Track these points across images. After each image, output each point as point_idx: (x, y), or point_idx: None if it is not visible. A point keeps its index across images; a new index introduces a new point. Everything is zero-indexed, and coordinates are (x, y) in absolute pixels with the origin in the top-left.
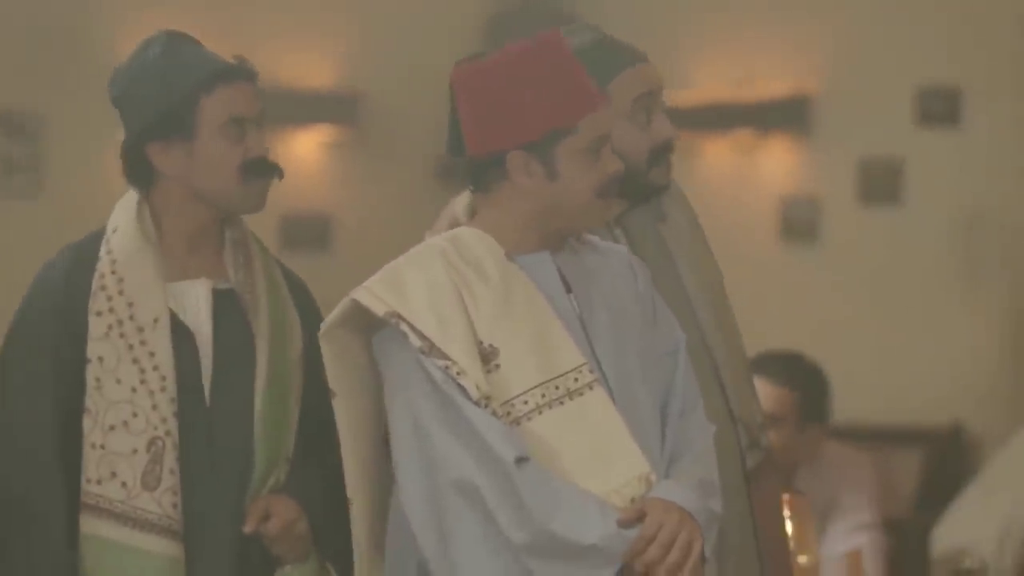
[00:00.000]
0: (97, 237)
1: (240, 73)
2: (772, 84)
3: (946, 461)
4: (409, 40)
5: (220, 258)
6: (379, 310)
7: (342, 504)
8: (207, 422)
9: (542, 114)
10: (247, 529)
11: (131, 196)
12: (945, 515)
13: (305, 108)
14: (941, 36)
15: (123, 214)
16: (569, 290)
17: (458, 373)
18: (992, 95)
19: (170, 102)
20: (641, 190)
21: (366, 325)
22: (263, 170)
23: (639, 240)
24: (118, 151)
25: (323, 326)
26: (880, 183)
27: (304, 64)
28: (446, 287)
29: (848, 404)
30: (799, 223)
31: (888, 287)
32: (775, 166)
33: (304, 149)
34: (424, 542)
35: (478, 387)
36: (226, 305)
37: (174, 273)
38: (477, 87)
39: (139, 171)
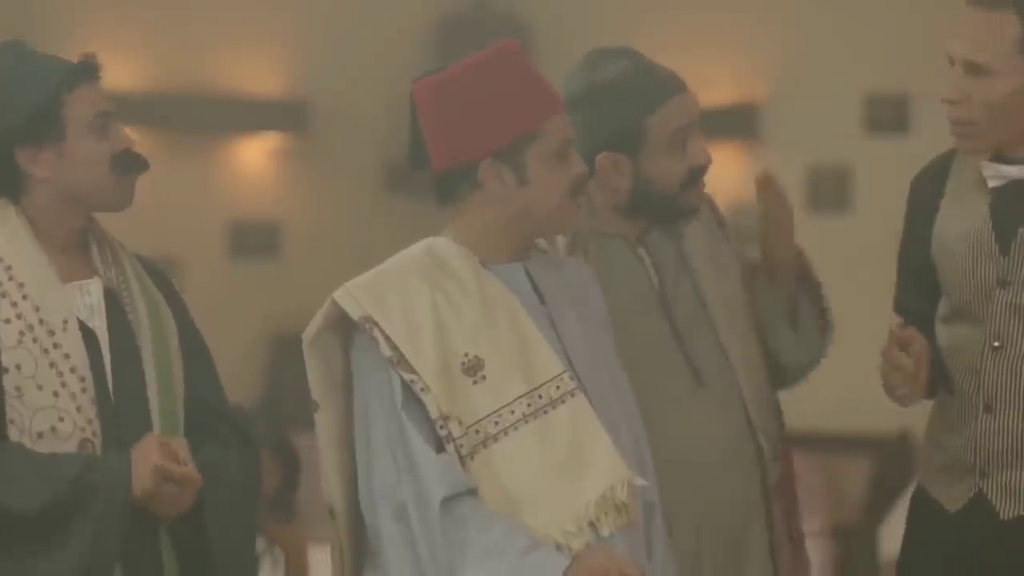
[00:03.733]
0: None
1: (94, 70)
2: (720, 91)
3: (894, 468)
4: (357, 47)
5: (87, 259)
6: (355, 313)
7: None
8: (115, 420)
9: (509, 120)
10: (164, 462)
11: None
12: (893, 520)
13: (253, 115)
14: (889, 44)
15: None
16: (543, 301)
17: (421, 389)
18: (940, 102)
19: (36, 105)
20: (671, 213)
21: (345, 331)
22: (133, 164)
23: (661, 259)
24: None
25: (307, 333)
26: (828, 190)
27: (252, 71)
28: (425, 301)
29: (797, 412)
30: (747, 230)
31: (836, 294)
32: (723, 173)
33: (252, 156)
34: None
35: (439, 406)
36: (110, 304)
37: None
38: (440, 100)
39: (5, 180)
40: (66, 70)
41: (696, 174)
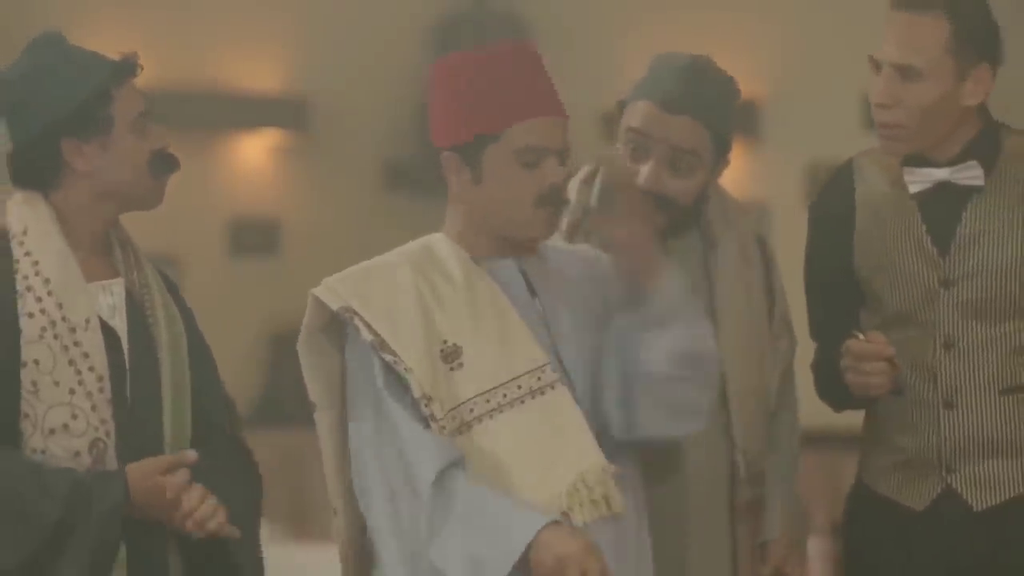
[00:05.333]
0: (2, 239)
1: (135, 69)
2: None
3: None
4: (357, 45)
5: (110, 260)
6: (334, 304)
7: (229, 505)
8: (132, 422)
9: (466, 119)
10: (174, 459)
11: (27, 197)
12: None
13: (253, 112)
14: None
15: (27, 215)
16: (534, 294)
17: (404, 370)
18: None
19: (86, 97)
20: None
21: (339, 329)
22: (169, 164)
23: (682, 262)
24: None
25: (300, 335)
26: None
27: (252, 69)
28: (407, 285)
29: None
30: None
31: None
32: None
33: (252, 153)
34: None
35: (421, 385)
36: (131, 306)
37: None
38: (435, 82)
39: (41, 172)
40: (113, 66)
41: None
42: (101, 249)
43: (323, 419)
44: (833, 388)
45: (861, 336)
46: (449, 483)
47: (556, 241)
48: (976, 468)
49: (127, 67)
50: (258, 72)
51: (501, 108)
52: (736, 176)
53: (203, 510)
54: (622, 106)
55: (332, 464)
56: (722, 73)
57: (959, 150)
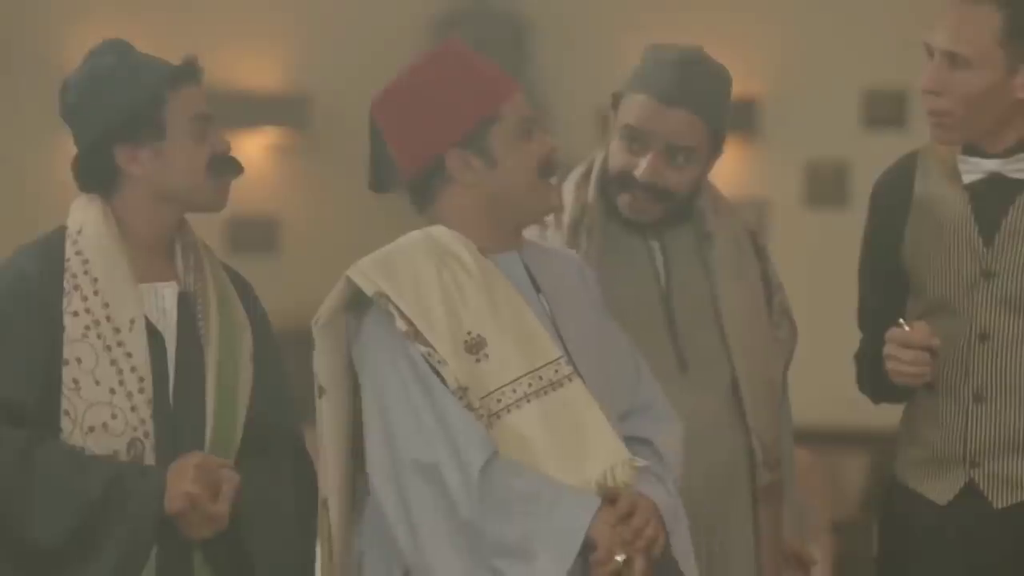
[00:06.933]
0: (58, 237)
1: (196, 73)
2: None
3: (893, 462)
4: (357, 42)
5: (171, 262)
6: (369, 289)
7: (275, 509)
8: (172, 425)
9: (466, 107)
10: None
11: (90, 199)
12: None
13: (252, 110)
14: (887, 39)
15: (86, 215)
16: (539, 290)
17: (439, 362)
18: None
19: (139, 103)
20: (613, 209)
21: (356, 312)
22: (229, 167)
23: (674, 255)
24: (69, 160)
25: (321, 314)
26: (826, 186)
27: (252, 66)
28: (432, 278)
29: (796, 406)
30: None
31: (834, 290)
32: (721, 168)
33: (251, 151)
34: (392, 520)
35: (456, 378)
36: (183, 309)
37: (136, 276)
38: (395, 106)
39: (100, 177)
40: (168, 71)
41: (627, 180)
42: (162, 252)
43: (329, 404)
44: (874, 379)
45: (905, 325)
46: (496, 473)
47: (540, 240)
48: (1000, 465)
49: (184, 71)
50: (258, 70)
51: (489, 89)
52: (736, 175)
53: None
54: (617, 98)
55: (331, 453)
56: (716, 64)
57: (1014, 142)
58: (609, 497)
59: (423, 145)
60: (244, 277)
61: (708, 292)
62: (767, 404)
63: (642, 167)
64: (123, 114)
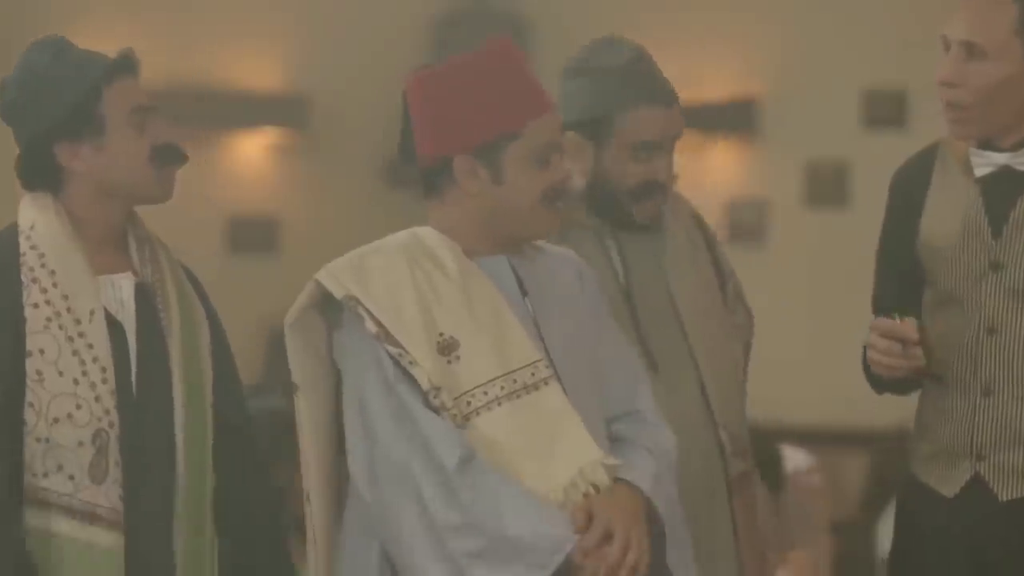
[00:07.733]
0: (11, 234)
1: (132, 65)
2: (718, 87)
3: (892, 462)
4: (356, 43)
5: (125, 254)
6: (338, 292)
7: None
8: (136, 415)
9: (487, 119)
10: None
11: (38, 196)
12: (891, 514)
13: (252, 111)
14: (887, 39)
15: (36, 212)
16: (525, 293)
17: (410, 363)
18: (937, 85)
19: (76, 100)
20: (625, 219)
21: (330, 313)
22: (171, 156)
23: (631, 253)
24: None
25: (290, 313)
26: (826, 185)
27: (251, 67)
28: (406, 279)
29: (795, 407)
30: (746, 225)
31: (834, 290)
32: (722, 169)
33: (251, 152)
34: (376, 519)
35: (429, 378)
36: (141, 300)
37: (92, 268)
38: (427, 94)
39: (44, 175)
40: (104, 65)
41: (651, 188)
42: (115, 244)
43: (306, 401)
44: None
45: (898, 317)
46: (475, 466)
47: (542, 242)
48: (1006, 457)
49: (120, 64)
50: (257, 70)
51: (519, 105)
52: (736, 175)
53: None
54: (605, 123)
55: (311, 448)
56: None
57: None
58: (580, 514)
59: (439, 142)
60: (195, 274)
61: (665, 290)
62: (733, 395)
63: (662, 170)
64: (60, 112)
